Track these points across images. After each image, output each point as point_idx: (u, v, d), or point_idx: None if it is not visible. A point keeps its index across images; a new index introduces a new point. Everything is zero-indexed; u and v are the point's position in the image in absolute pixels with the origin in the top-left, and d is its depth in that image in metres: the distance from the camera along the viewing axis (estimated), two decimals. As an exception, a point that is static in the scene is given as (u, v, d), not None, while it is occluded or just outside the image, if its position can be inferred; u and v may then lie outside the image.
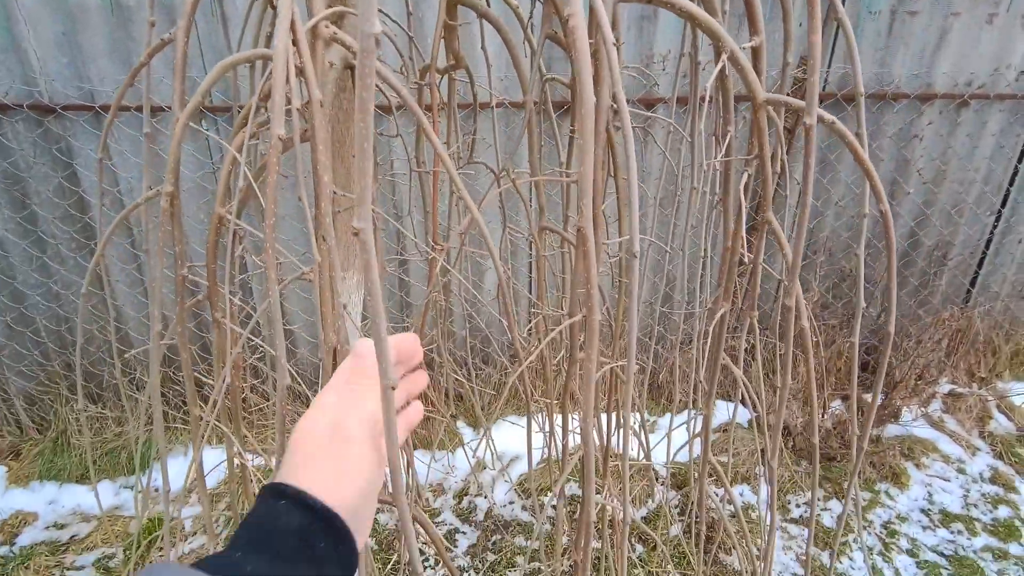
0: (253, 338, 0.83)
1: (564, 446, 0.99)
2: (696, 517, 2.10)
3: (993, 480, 2.32)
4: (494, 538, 2.20)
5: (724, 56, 0.58)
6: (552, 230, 0.84)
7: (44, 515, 2.33)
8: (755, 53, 0.63)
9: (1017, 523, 2.14)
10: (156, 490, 2.48)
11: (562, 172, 0.99)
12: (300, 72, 0.51)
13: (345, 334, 0.56)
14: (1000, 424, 2.58)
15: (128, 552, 2.15)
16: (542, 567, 2.05)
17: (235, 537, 0.37)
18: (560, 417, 0.92)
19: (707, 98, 0.77)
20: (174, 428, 2.52)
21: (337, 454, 0.40)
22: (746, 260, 0.75)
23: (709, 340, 0.79)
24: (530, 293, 2.68)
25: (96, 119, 2.10)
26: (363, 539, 0.41)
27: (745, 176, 0.66)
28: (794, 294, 0.57)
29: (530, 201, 2.48)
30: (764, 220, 0.66)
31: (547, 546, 2.17)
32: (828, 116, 0.53)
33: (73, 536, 2.25)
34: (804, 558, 2.05)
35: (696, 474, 2.14)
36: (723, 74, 0.71)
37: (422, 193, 0.88)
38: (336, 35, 0.53)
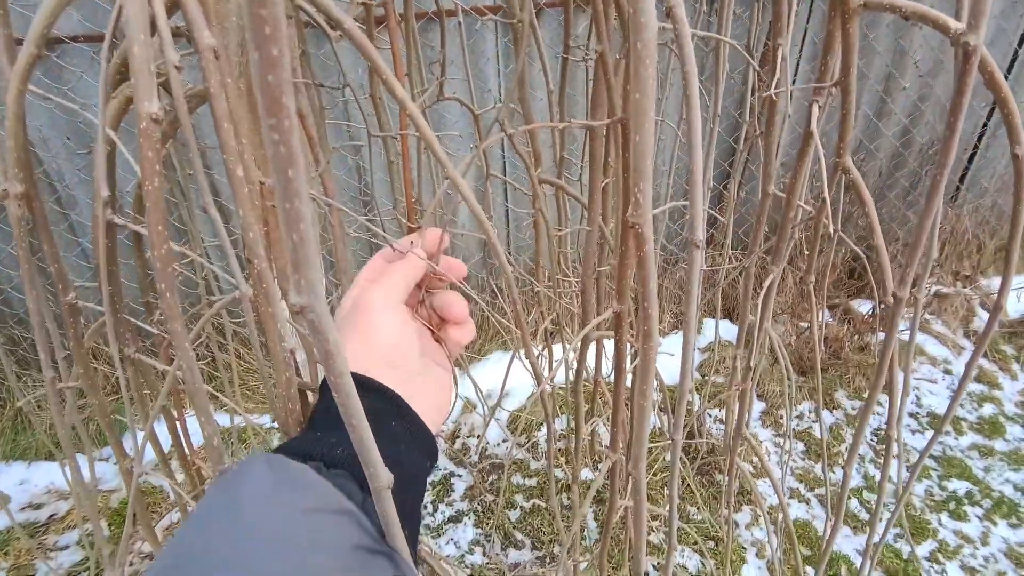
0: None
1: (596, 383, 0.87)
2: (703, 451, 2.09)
3: (978, 379, 2.35)
4: (490, 478, 2.17)
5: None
6: (554, 183, 0.67)
7: (16, 496, 2.21)
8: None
9: (1001, 419, 2.19)
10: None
11: (556, 119, 0.81)
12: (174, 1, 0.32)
13: (292, 378, 0.40)
14: (984, 321, 2.60)
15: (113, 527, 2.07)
16: (542, 504, 2.04)
17: (310, 423, 0.38)
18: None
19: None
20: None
21: (378, 345, 0.39)
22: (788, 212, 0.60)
23: (757, 307, 0.65)
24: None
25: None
26: (436, 427, 0.40)
27: (816, 108, 0.50)
28: (908, 285, 0.44)
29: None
30: (840, 167, 0.50)
31: (546, 482, 2.15)
32: (983, 49, 0.36)
33: (52, 515, 2.15)
34: (800, 472, 2.08)
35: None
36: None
37: (387, 159, 0.69)
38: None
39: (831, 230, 0.51)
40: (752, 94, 1.01)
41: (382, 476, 0.28)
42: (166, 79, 0.34)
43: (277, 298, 0.35)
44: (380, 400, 0.37)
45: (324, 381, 0.39)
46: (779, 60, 0.51)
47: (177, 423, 0.59)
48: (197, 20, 0.30)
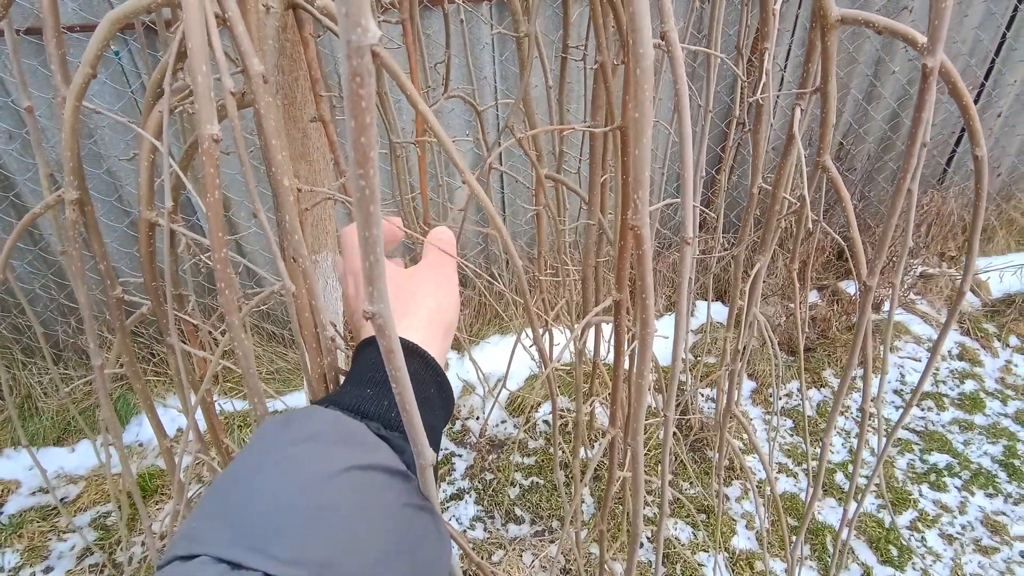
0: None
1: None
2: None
3: (961, 356, 2.43)
4: (490, 457, 2.23)
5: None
6: (557, 179, 0.71)
7: (27, 481, 2.27)
8: (820, -48, 0.49)
9: (982, 395, 2.27)
10: (141, 445, 2.42)
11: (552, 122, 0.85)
12: (225, 24, 0.36)
13: (334, 362, 0.45)
14: (967, 301, 2.67)
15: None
16: (541, 482, 2.11)
17: (352, 378, 0.39)
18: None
19: None
20: (146, 380, 2.42)
21: (417, 309, 0.42)
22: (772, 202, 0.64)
23: (744, 295, 0.70)
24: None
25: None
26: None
27: (799, 112, 0.54)
28: (876, 274, 0.48)
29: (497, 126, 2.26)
30: (820, 165, 0.55)
31: (544, 460, 2.22)
32: (948, 64, 0.40)
33: (63, 499, 2.20)
34: (788, 448, 2.16)
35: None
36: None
37: (392, 154, 0.72)
38: (267, -37, 0.38)
39: (811, 224, 0.56)
40: (741, 90, 1.05)
41: (427, 455, 0.32)
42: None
43: (320, 293, 0.39)
44: (423, 367, 0.39)
45: (364, 341, 0.41)
46: (765, 65, 0.55)
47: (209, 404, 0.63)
48: (248, 50, 0.34)
